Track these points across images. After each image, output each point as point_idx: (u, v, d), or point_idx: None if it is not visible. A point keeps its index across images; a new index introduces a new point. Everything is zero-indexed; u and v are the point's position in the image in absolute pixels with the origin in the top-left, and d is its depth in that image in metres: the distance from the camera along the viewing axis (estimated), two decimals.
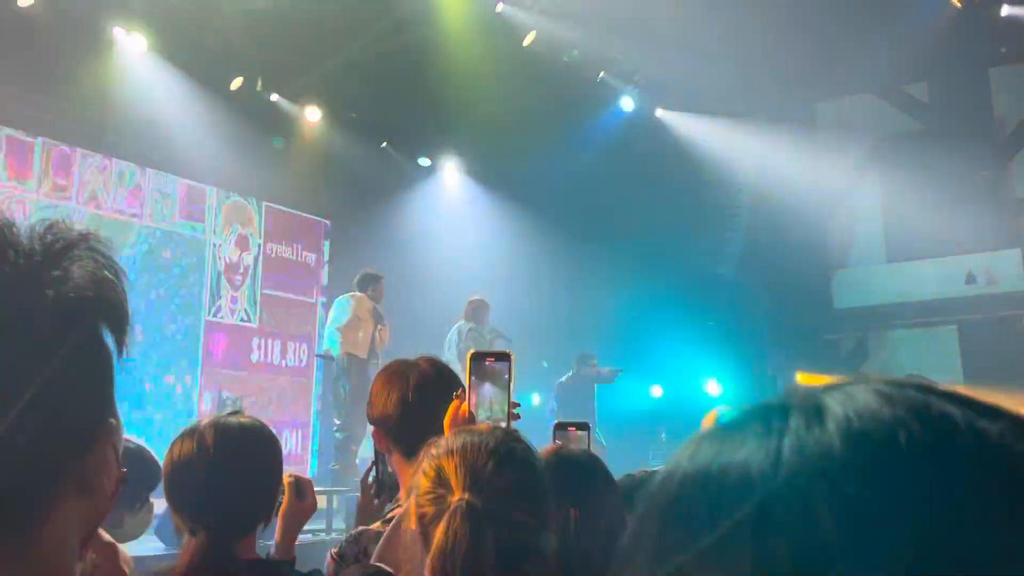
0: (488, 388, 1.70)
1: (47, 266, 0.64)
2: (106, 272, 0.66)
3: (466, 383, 1.70)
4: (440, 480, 1.25)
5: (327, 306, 9.79)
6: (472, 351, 1.77)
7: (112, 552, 1.00)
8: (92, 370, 0.66)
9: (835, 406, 0.40)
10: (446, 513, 1.21)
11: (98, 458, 0.66)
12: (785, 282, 10.52)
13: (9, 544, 0.61)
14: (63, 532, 0.64)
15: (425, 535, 1.24)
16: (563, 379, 9.09)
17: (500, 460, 1.26)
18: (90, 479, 0.66)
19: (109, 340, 0.67)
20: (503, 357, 1.72)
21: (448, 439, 1.33)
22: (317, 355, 8.91)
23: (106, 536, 0.87)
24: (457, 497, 1.22)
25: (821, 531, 0.36)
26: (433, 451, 1.30)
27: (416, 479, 1.30)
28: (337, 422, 8.14)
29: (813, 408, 0.40)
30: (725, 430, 0.42)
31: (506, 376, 1.70)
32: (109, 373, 0.67)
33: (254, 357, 9.22)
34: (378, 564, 1.42)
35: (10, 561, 0.61)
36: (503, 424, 1.64)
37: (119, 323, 0.67)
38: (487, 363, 1.72)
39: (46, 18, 7.40)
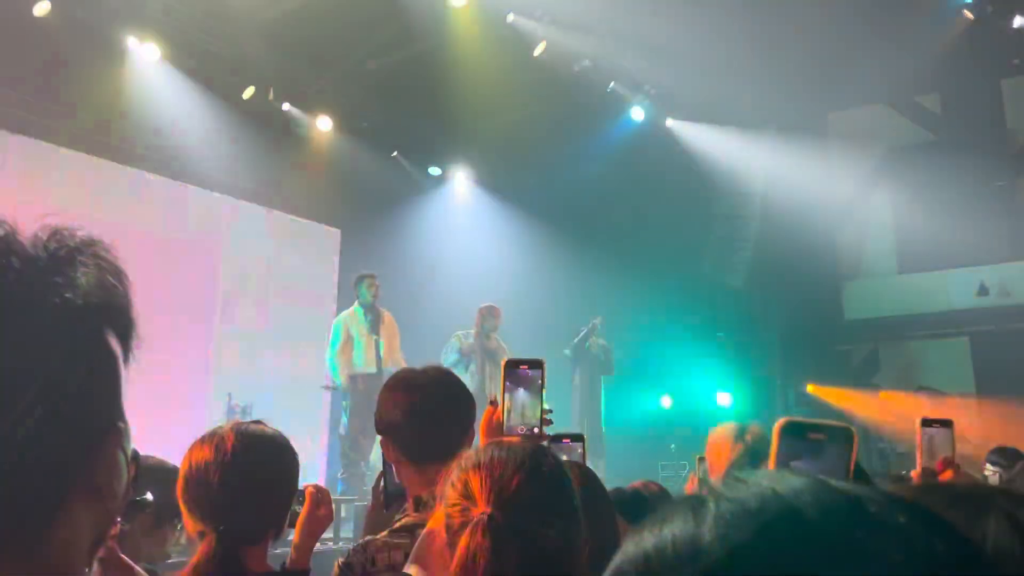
0: (521, 394, 1.72)
1: (51, 273, 0.64)
2: (111, 278, 0.67)
3: (500, 390, 1.72)
4: (466, 492, 1.25)
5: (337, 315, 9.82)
6: (506, 358, 1.78)
7: (129, 572, 1.02)
8: (99, 375, 0.66)
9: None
10: (468, 526, 1.20)
11: (108, 462, 0.68)
12: (795, 293, 10.47)
13: (20, 544, 0.62)
14: (72, 534, 0.65)
15: (452, 545, 1.24)
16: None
17: (526, 475, 1.24)
18: (100, 482, 0.67)
19: (116, 346, 0.67)
20: (536, 364, 1.74)
21: (477, 452, 1.32)
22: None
23: (125, 558, 0.89)
24: (480, 511, 1.21)
25: None
26: (462, 463, 1.30)
27: (445, 489, 1.29)
28: (342, 432, 8.13)
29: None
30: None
31: (539, 382, 1.72)
32: (116, 378, 0.68)
33: (264, 365, 9.24)
34: (408, 573, 1.41)
35: (20, 560, 0.62)
36: (536, 429, 1.67)
37: (125, 329, 0.68)
38: (520, 370, 1.73)
39: (60, 26, 7.44)
